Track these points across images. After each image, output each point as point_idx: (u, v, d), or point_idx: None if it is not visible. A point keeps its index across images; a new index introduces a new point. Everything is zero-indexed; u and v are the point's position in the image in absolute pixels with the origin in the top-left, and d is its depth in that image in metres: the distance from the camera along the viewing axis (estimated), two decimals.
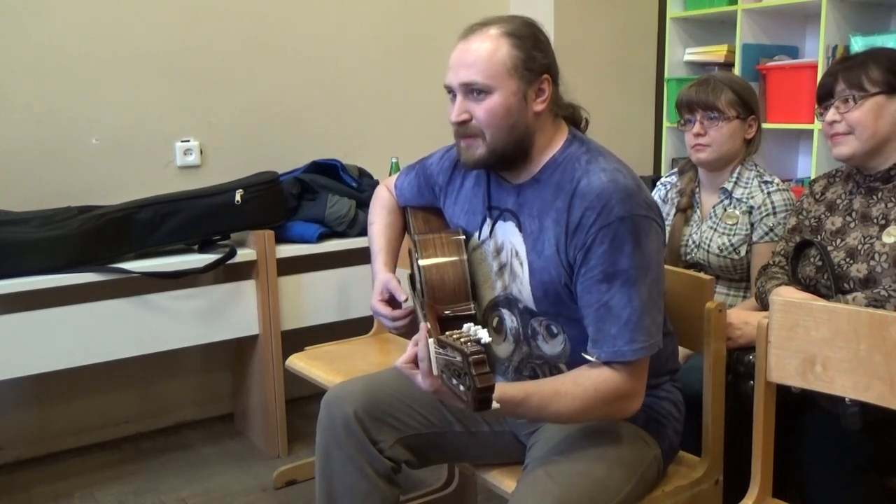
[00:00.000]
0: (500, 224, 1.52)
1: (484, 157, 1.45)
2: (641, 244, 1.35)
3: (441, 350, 1.23)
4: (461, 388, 1.17)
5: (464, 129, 1.44)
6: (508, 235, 1.50)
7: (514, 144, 1.43)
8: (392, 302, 1.61)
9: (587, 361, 1.39)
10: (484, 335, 1.18)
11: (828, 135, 1.73)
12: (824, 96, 1.74)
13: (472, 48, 1.41)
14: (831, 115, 1.70)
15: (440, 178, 1.67)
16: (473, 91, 1.41)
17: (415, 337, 1.35)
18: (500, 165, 1.48)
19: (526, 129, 1.43)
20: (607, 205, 1.35)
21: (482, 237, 1.55)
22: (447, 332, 1.22)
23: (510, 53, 1.40)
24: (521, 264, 1.47)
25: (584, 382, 1.37)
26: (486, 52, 1.40)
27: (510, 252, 1.50)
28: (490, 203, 1.54)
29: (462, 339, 1.17)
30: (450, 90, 1.46)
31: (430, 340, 1.26)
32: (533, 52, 1.41)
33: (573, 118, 1.53)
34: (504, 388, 1.31)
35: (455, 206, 1.62)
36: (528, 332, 1.51)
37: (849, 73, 1.68)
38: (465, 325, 1.21)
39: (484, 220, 1.55)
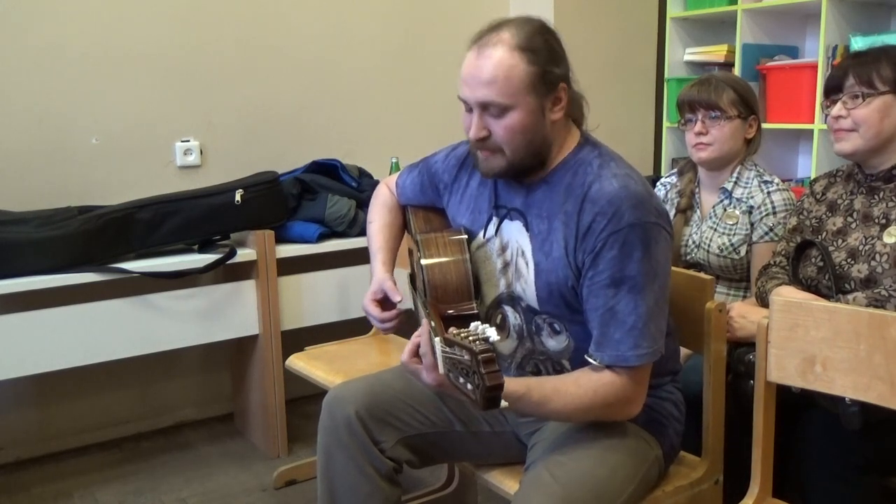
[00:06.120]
0: (506, 223, 1.52)
1: (504, 169, 1.45)
2: (650, 251, 1.36)
3: (448, 349, 1.22)
4: (469, 386, 1.16)
5: (482, 143, 1.43)
6: (515, 234, 1.50)
7: (533, 155, 1.44)
8: (384, 303, 1.61)
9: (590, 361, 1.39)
10: (492, 333, 1.17)
11: (831, 129, 1.71)
12: (832, 89, 1.71)
13: (488, 64, 1.36)
14: (837, 109, 1.68)
15: (445, 176, 1.67)
16: (491, 108, 1.39)
17: (417, 331, 1.35)
18: (518, 175, 1.48)
19: (544, 139, 1.43)
20: (618, 211, 1.35)
21: (487, 235, 1.55)
22: (454, 331, 1.22)
23: (527, 70, 1.36)
24: (527, 264, 1.47)
25: (585, 384, 1.38)
26: (503, 69, 1.35)
27: (516, 251, 1.50)
28: (497, 202, 1.54)
29: (470, 338, 1.17)
30: (465, 102, 1.43)
31: (437, 339, 1.26)
32: (549, 66, 1.39)
33: (577, 112, 1.51)
34: (507, 383, 1.31)
35: (460, 204, 1.62)
36: (532, 328, 1.51)
37: (860, 68, 1.65)
38: (473, 324, 1.21)
39: (490, 219, 1.55)
